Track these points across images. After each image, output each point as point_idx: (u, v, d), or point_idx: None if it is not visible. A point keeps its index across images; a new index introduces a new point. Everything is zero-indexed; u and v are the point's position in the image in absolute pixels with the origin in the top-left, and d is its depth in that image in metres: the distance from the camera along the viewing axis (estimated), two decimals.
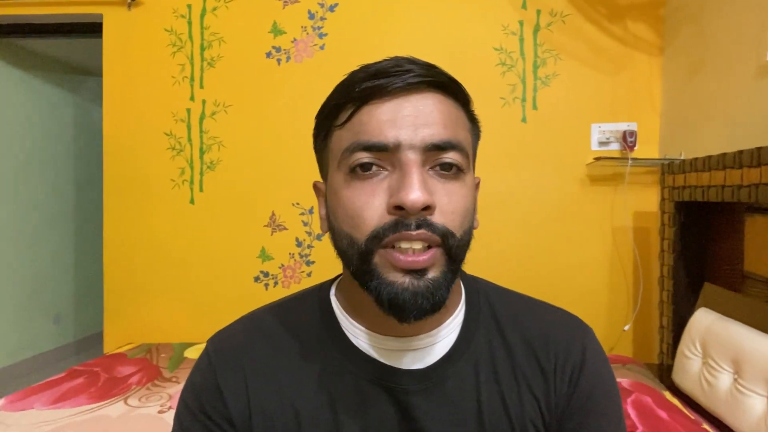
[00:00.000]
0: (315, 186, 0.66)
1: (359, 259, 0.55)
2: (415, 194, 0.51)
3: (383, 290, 0.54)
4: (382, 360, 0.62)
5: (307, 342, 0.64)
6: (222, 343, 0.66)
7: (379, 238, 0.53)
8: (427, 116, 0.55)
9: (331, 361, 0.63)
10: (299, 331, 0.66)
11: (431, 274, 0.54)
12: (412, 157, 0.53)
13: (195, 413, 0.62)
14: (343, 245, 0.57)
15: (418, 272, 0.53)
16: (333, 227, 0.59)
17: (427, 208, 0.53)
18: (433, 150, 0.54)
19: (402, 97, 0.55)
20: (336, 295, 0.68)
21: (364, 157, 0.55)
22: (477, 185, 0.66)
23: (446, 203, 0.55)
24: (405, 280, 0.53)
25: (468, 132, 0.61)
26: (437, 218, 0.54)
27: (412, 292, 0.53)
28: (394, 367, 0.62)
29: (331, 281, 0.71)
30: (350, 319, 0.64)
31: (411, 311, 0.53)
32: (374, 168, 0.55)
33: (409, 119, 0.54)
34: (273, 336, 0.65)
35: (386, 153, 0.54)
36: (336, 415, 0.61)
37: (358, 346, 0.63)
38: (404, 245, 0.53)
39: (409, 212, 0.52)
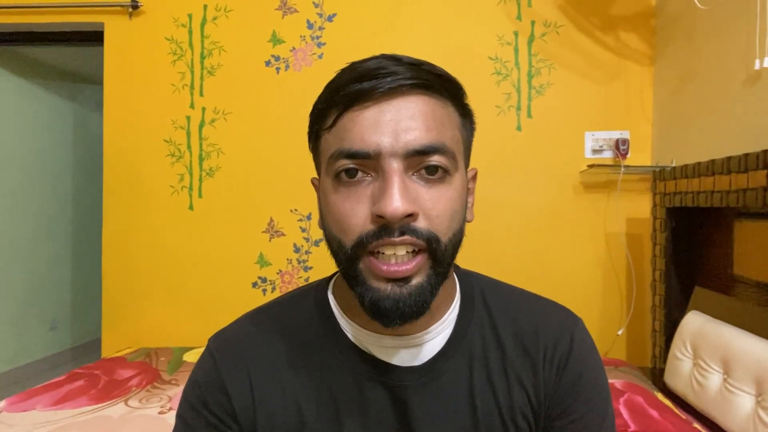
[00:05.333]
0: (312, 182, 0.68)
1: (346, 263, 0.57)
2: (394, 204, 0.52)
3: (366, 296, 0.55)
4: (379, 357, 0.64)
5: (307, 340, 0.66)
6: (224, 341, 0.67)
7: (363, 245, 0.54)
8: (410, 121, 0.55)
9: (330, 358, 0.64)
10: (299, 329, 0.67)
11: (415, 281, 0.55)
12: (393, 165, 0.54)
13: (199, 410, 0.63)
14: (334, 247, 0.59)
15: (402, 280, 0.54)
16: (325, 228, 0.61)
17: (410, 215, 0.53)
18: (415, 155, 0.54)
19: (384, 101, 0.55)
20: (333, 294, 0.69)
21: (348, 163, 0.55)
22: (473, 177, 0.67)
23: (431, 208, 0.55)
24: (387, 288, 0.54)
25: (457, 129, 0.61)
26: (421, 223, 0.54)
27: (393, 300, 0.54)
28: (391, 364, 0.63)
29: (328, 279, 0.72)
30: (346, 318, 0.65)
31: (393, 318, 0.55)
32: (359, 174, 0.55)
33: (391, 124, 0.54)
34: (273, 334, 0.67)
35: (369, 160, 0.54)
36: (337, 411, 0.62)
37: (355, 343, 0.65)
38: (388, 251, 0.54)
39: (390, 221, 0.52)
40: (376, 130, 0.54)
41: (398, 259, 0.54)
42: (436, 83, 0.58)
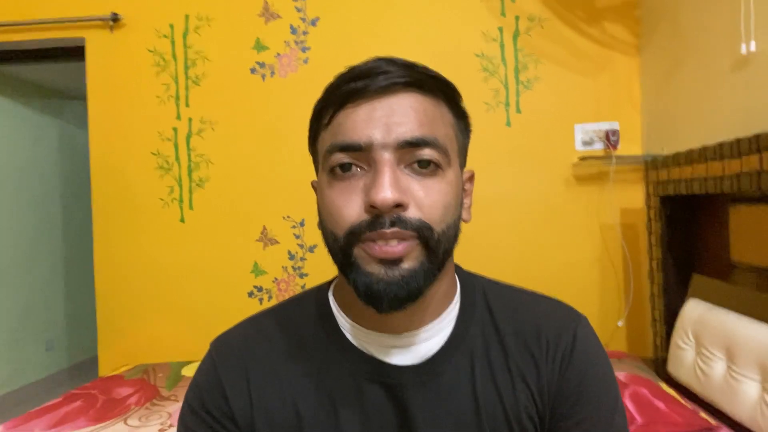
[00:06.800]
0: (312, 185, 0.68)
1: (341, 253, 0.57)
2: (384, 193, 0.53)
3: (360, 281, 0.56)
4: (378, 357, 0.63)
5: (307, 341, 0.66)
6: (224, 344, 0.68)
7: (356, 234, 0.55)
8: (402, 115, 0.56)
9: (329, 359, 0.64)
10: (298, 331, 0.67)
11: (406, 264, 0.55)
12: (385, 156, 0.55)
13: (199, 413, 0.64)
14: (329, 241, 0.59)
15: (393, 262, 0.55)
16: (321, 224, 0.61)
17: (399, 205, 0.54)
18: (406, 147, 0.55)
19: (377, 99, 0.56)
20: (333, 295, 0.69)
21: (342, 157, 0.56)
22: (470, 178, 0.68)
23: (423, 197, 0.56)
24: (380, 271, 0.55)
25: (450, 128, 0.61)
26: (412, 213, 0.55)
27: (386, 282, 0.54)
28: (391, 364, 0.63)
29: (329, 282, 0.72)
30: (347, 318, 0.66)
31: (385, 301, 0.55)
32: (353, 168, 0.56)
33: (383, 119, 0.55)
34: (273, 337, 0.67)
35: (361, 152, 0.56)
36: (336, 413, 0.62)
37: (355, 344, 0.64)
38: (379, 242, 0.55)
39: (381, 210, 0.53)
40: (368, 125, 0.55)
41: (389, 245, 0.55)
42: (429, 83, 0.59)
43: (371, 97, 0.56)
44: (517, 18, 2.47)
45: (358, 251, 0.56)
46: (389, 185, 0.53)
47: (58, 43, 2.69)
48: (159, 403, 1.82)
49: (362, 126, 0.55)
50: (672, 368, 1.75)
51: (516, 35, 2.48)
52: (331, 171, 0.58)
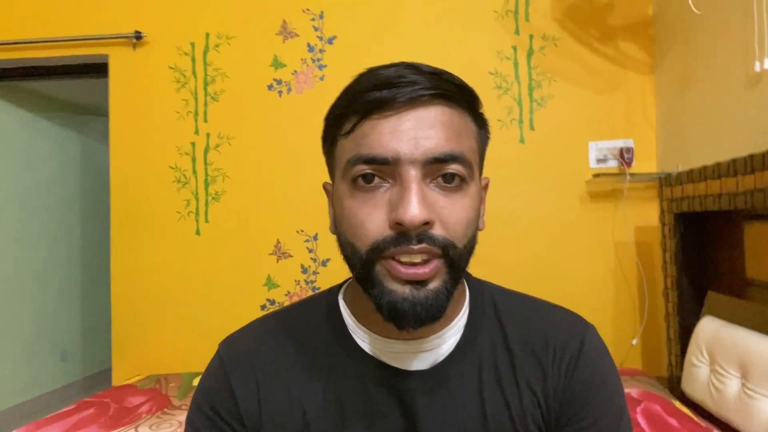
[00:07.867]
0: (324, 187, 0.68)
1: (362, 267, 0.56)
2: (413, 211, 0.52)
3: (383, 298, 0.55)
4: (387, 362, 0.63)
5: (315, 345, 0.66)
6: (233, 346, 0.68)
7: (380, 250, 0.54)
8: (429, 129, 0.55)
9: (338, 363, 0.64)
10: (307, 334, 0.67)
11: (432, 285, 0.55)
12: (412, 172, 0.54)
13: (207, 414, 0.64)
14: (347, 252, 0.59)
15: (419, 283, 0.54)
16: (338, 234, 0.60)
17: (427, 223, 0.53)
18: (434, 163, 0.54)
19: (404, 111, 0.55)
20: (344, 299, 0.69)
21: (365, 169, 0.55)
22: (485, 187, 0.67)
23: (447, 215, 0.55)
24: (405, 290, 0.54)
25: (474, 138, 0.61)
26: (438, 230, 0.54)
27: (411, 302, 0.54)
28: (400, 369, 0.63)
29: (340, 285, 0.72)
30: (357, 322, 0.65)
31: (410, 320, 0.54)
32: (376, 180, 0.55)
33: (410, 132, 0.54)
34: (282, 339, 0.67)
35: (387, 166, 0.54)
36: (343, 417, 0.62)
37: (364, 348, 0.64)
38: (404, 258, 0.54)
39: (408, 228, 0.53)
40: (394, 137, 0.54)
41: (416, 265, 0.54)
42: (455, 93, 0.58)
43: (398, 109, 0.55)
44: (531, 37, 2.50)
45: (380, 267, 0.55)
46: (417, 203, 0.52)
47: (82, 60, 2.77)
48: (170, 412, 1.83)
49: (388, 139, 0.54)
50: (686, 386, 1.72)
51: (530, 54, 2.50)
52: (353, 181, 0.56)
